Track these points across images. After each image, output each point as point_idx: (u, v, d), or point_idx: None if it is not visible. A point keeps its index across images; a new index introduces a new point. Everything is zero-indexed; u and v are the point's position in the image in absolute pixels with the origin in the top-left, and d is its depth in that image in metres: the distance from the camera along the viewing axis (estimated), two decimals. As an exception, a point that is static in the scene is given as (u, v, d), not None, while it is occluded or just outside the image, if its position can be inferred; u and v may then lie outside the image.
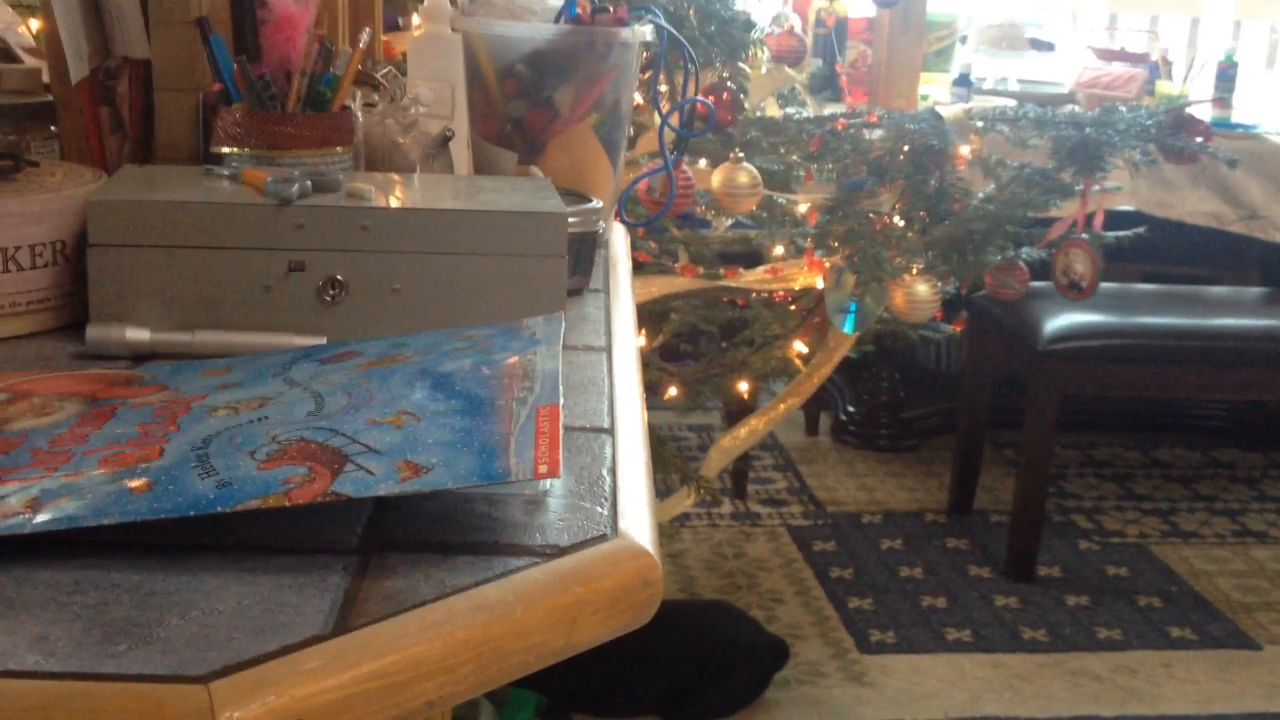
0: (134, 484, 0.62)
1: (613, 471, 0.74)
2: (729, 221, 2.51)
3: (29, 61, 1.46)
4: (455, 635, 0.57)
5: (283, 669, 0.53)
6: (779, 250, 2.40)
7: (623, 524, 0.68)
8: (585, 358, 0.95)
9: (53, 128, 1.20)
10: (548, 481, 0.70)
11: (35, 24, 1.54)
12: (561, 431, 0.67)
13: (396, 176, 1.12)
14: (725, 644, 2.33)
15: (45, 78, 1.24)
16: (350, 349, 0.82)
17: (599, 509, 0.69)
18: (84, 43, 1.13)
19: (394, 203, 0.97)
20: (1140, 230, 2.43)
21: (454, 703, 0.57)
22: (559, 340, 0.78)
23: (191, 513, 0.60)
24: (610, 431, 0.81)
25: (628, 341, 1.01)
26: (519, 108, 1.23)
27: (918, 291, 2.21)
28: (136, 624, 0.55)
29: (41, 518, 0.60)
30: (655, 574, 0.65)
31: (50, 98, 1.19)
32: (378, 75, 1.29)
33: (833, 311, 2.22)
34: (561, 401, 0.70)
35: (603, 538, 0.66)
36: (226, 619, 0.56)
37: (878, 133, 2.26)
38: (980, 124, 2.30)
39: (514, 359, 0.75)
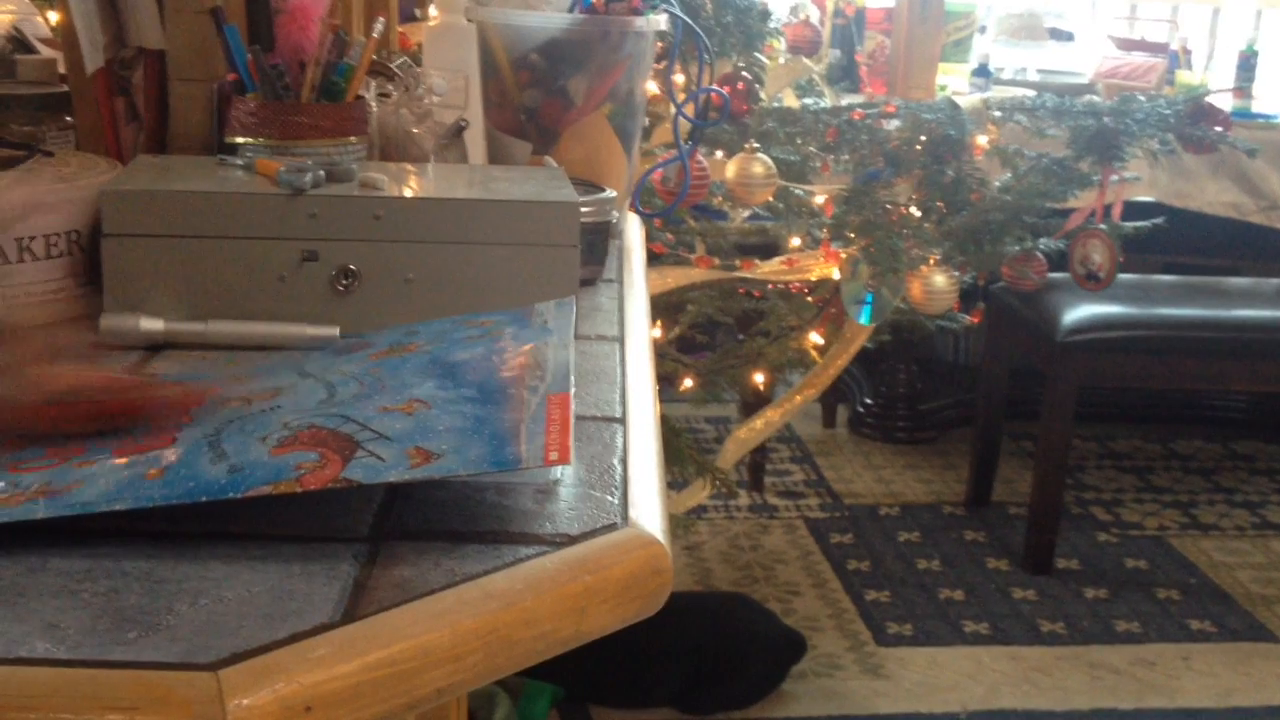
0: (146, 471, 0.63)
1: (624, 461, 0.74)
2: (746, 212, 2.51)
3: (45, 52, 1.46)
4: (464, 624, 0.57)
5: (291, 657, 0.53)
6: (795, 241, 2.39)
7: (633, 513, 0.67)
8: (598, 347, 0.95)
9: (68, 118, 1.20)
10: (558, 470, 0.69)
11: (53, 16, 1.55)
12: (573, 420, 0.67)
13: (410, 166, 1.12)
14: (742, 636, 2.33)
15: (61, 68, 1.24)
16: (363, 339, 0.82)
17: (609, 498, 0.69)
18: (99, 33, 1.13)
19: (407, 192, 0.97)
20: (1159, 220, 2.42)
21: (462, 691, 0.57)
22: (570, 328, 0.78)
23: (203, 497, 0.60)
24: (622, 421, 0.80)
25: (641, 331, 1.01)
26: (533, 97, 1.22)
27: (935, 282, 2.20)
28: (146, 611, 0.55)
29: (54, 504, 0.61)
30: (665, 563, 0.65)
31: (66, 88, 1.19)
32: (392, 65, 1.29)
33: (849, 302, 2.22)
34: (573, 389, 0.70)
35: (613, 526, 0.66)
36: (236, 606, 0.56)
37: (895, 123, 2.26)
38: (998, 114, 2.30)
39: (525, 347, 0.75)
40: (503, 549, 0.63)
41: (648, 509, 0.69)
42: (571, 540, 0.64)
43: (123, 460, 0.64)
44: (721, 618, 2.37)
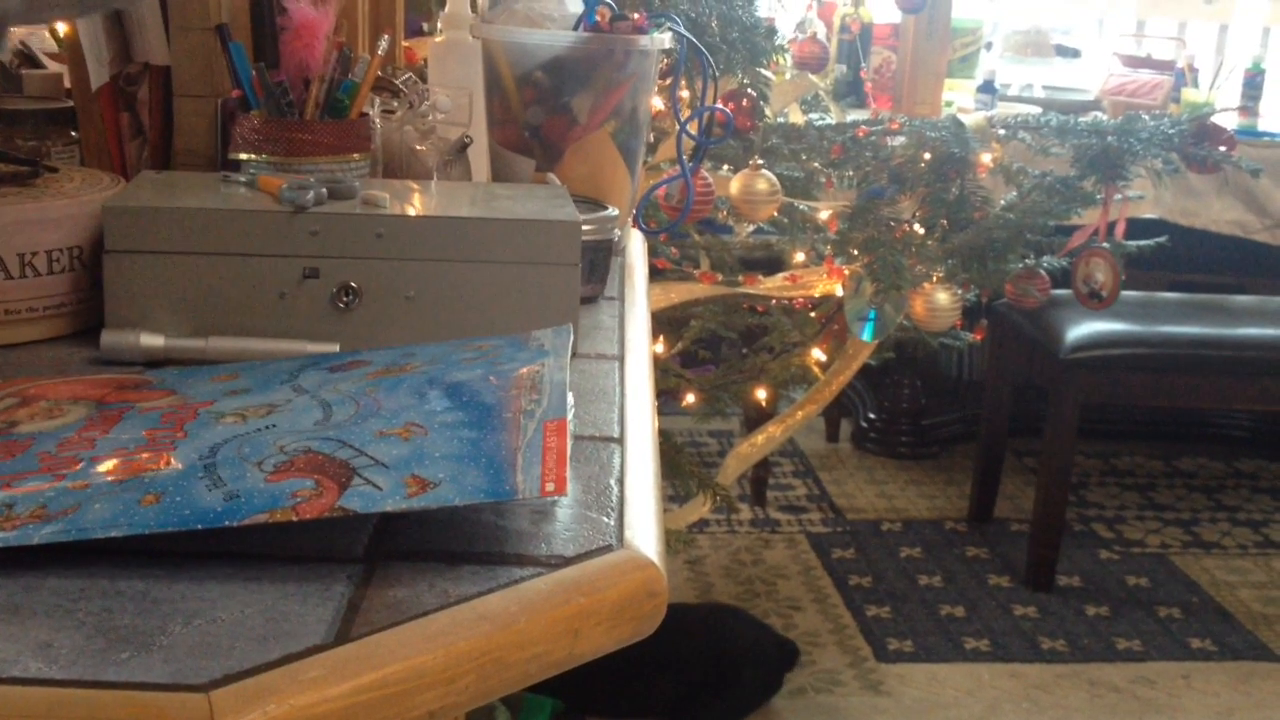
0: (141, 496, 0.63)
1: (621, 481, 0.74)
2: (750, 228, 2.51)
3: (51, 67, 1.47)
4: (457, 646, 0.57)
5: (283, 678, 0.53)
6: (799, 257, 2.40)
7: (629, 534, 0.68)
8: (597, 366, 0.95)
9: (73, 133, 1.21)
10: (555, 491, 0.69)
11: (61, 29, 1.55)
12: (570, 444, 0.67)
13: (413, 184, 1.13)
14: (734, 647, 2.33)
15: (67, 83, 1.25)
16: (359, 358, 0.82)
17: (605, 519, 0.69)
18: (105, 48, 1.13)
19: (409, 210, 0.97)
20: (1163, 239, 2.42)
21: (455, 713, 0.58)
22: (567, 352, 0.78)
23: (199, 526, 0.61)
24: (620, 441, 0.80)
25: (641, 350, 1.01)
26: (537, 115, 1.23)
27: (938, 300, 2.20)
28: (140, 632, 0.55)
29: (49, 529, 0.61)
30: (660, 585, 0.65)
31: (71, 103, 1.20)
32: (397, 82, 1.29)
33: (852, 319, 2.22)
34: (570, 415, 0.70)
35: (608, 548, 0.66)
36: (229, 627, 0.56)
37: (899, 140, 2.26)
38: (1002, 132, 2.30)
39: (522, 370, 0.75)
40: (497, 570, 0.63)
41: (644, 531, 0.69)
42: (566, 562, 0.64)
43: (115, 478, 0.65)
44: (714, 629, 2.37)
